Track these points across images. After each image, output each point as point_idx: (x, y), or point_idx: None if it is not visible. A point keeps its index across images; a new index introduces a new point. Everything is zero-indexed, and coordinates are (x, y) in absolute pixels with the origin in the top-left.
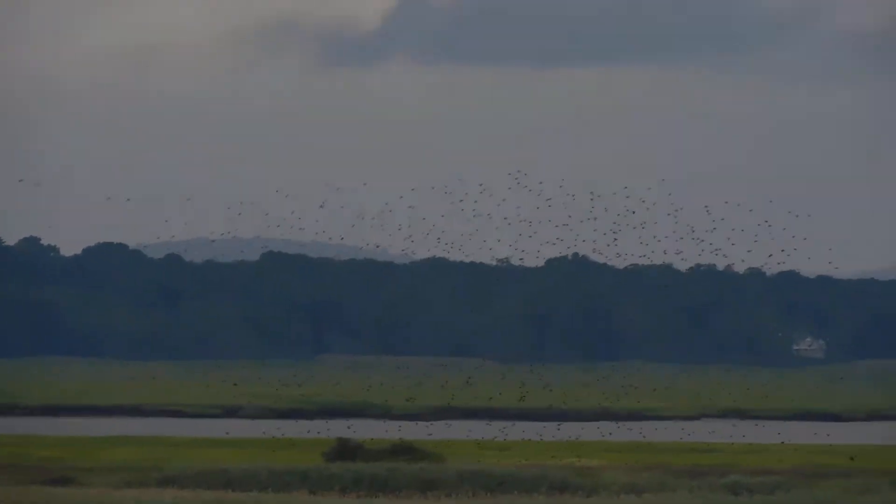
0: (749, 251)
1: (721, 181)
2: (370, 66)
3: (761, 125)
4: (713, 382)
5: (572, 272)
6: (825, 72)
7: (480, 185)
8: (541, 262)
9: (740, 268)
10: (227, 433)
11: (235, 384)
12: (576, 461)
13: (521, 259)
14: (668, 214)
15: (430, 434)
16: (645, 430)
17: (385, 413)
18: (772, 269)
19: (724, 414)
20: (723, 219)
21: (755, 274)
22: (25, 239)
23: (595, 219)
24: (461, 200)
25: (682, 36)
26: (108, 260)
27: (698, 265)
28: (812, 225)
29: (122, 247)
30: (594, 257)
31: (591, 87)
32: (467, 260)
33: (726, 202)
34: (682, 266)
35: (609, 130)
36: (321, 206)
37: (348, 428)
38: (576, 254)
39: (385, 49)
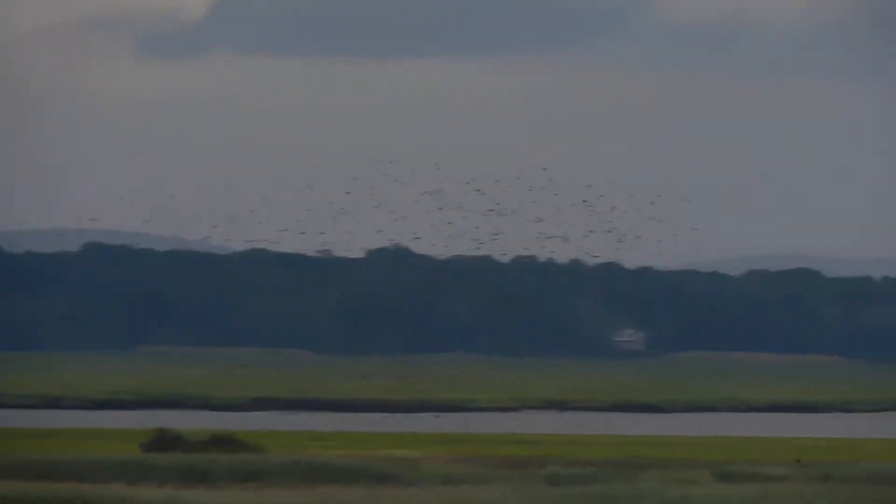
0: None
1: (569, 175)
2: (194, 57)
3: (602, 116)
4: (533, 374)
5: (393, 263)
6: (655, 63)
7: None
8: (361, 254)
9: (563, 259)
10: (46, 424)
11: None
12: (395, 452)
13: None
14: (533, 203)
15: (251, 425)
16: (465, 422)
17: (205, 404)
18: (592, 260)
19: (544, 405)
20: (585, 201)
21: (576, 265)
22: None
23: (470, 212)
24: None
25: (517, 29)
26: None
27: (520, 256)
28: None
29: None
30: (415, 248)
31: (415, 79)
32: (287, 251)
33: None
34: (504, 258)
35: (450, 121)
36: (146, 199)
37: (176, 416)
38: (397, 245)
39: (209, 40)
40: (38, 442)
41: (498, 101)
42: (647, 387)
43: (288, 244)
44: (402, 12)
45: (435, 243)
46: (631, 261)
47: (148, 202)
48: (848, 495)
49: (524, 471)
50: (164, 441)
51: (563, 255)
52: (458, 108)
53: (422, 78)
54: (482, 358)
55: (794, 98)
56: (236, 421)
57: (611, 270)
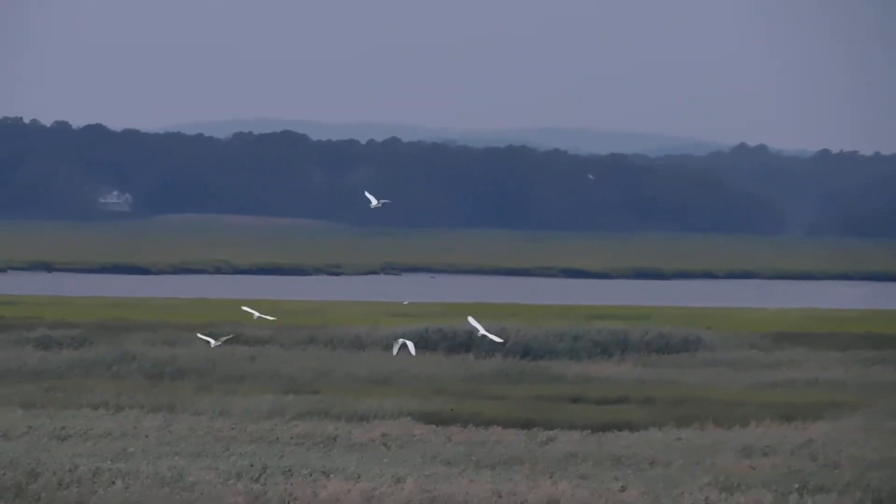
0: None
1: None
2: None
3: None
4: (17, 234)
5: None
6: None
7: None
8: None
9: (48, 121)
10: None
11: None
12: None
13: None
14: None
15: None
16: None
17: None
18: (77, 122)
19: (30, 266)
20: None
21: (62, 126)
22: None
23: None
24: None
25: None
26: None
27: (6, 118)
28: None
29: None
30: None
31: None
32: None
33: None
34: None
35: None
36: None
37: None
38: None
39: None
40: None
41: None
42: (134, 248)
43: None
44: None
45: None
46: (116, 123)
47: None
48: (328, 355)
49: (12, 333)
50: None
51: (47, 116)
52: None
53: None
54: None
55: None
56: None
57: (95, 132)
